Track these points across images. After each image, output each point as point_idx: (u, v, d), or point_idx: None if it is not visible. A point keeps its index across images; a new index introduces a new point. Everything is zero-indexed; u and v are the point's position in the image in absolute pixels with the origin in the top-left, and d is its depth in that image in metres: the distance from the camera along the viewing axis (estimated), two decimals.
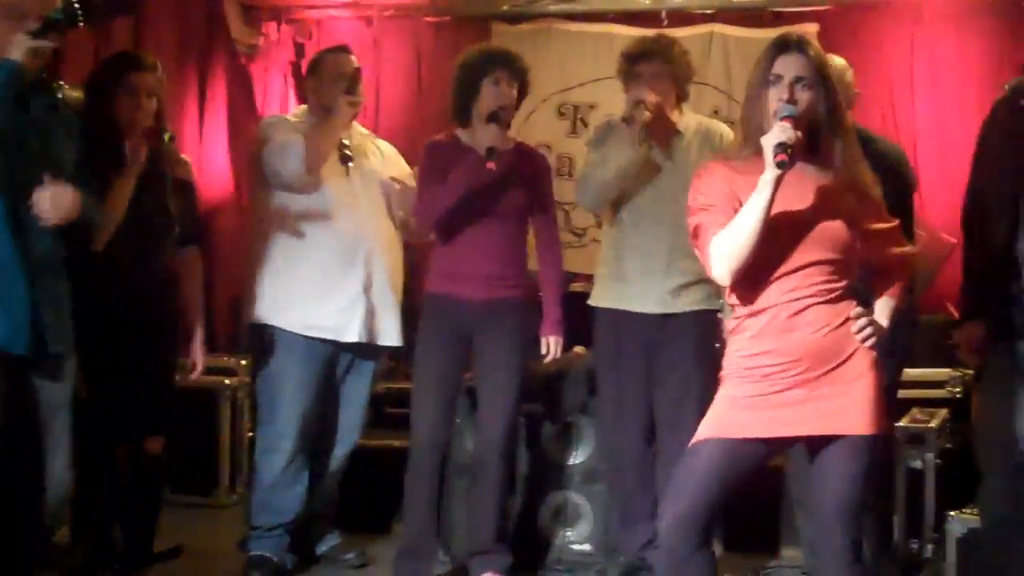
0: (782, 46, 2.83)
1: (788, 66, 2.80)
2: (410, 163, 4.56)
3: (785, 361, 2.77)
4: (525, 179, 4.20)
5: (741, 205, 2.77)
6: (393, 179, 4.45)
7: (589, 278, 4.41)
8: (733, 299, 2.86)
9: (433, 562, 4.28)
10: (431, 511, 4.22)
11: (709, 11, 6.43)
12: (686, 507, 2.82)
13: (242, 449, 5.42)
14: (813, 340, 2.77)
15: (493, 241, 4.14)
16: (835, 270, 2.79)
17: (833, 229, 2.79)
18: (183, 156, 4.42)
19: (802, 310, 2.77)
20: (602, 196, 4.14)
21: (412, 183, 4.41)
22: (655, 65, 4.04)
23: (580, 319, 4.26)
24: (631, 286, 4.12)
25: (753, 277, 2.79)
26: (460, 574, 4.31)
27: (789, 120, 2.72)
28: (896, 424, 4.32)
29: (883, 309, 2.93)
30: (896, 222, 2.96)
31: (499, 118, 4.07)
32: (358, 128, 4.53)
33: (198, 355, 4.19)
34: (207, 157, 6.29)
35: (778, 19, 6.41)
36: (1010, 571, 3.48)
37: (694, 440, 2.86)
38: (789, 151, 2.67)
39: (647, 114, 3.95)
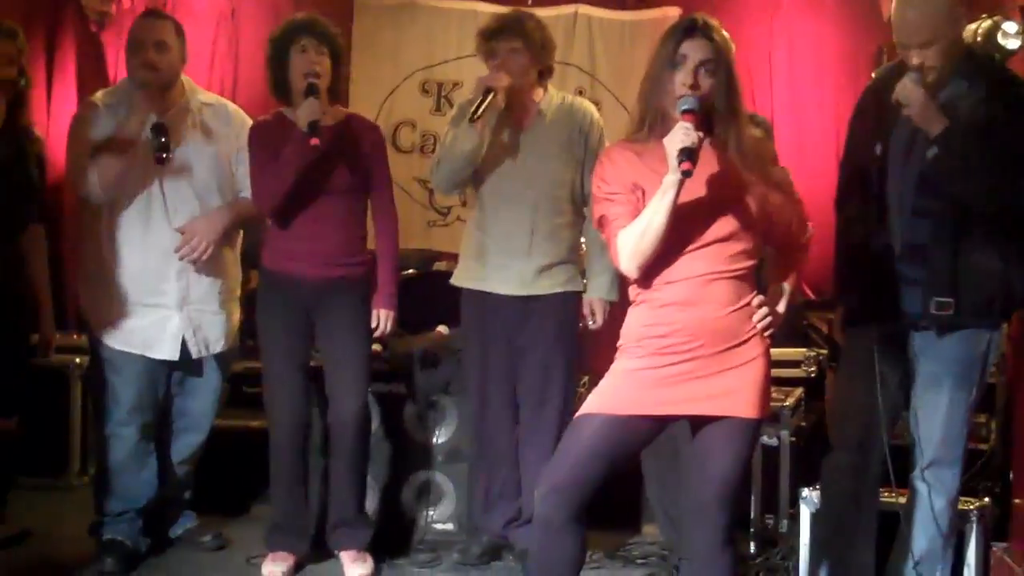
0: (689, 29, 2.82)
1: (694, 49, 2.80)
2: None
3: (684, 336, 2.79)
4: (358, 152, 4.10)
5: (644, 193, 2.77)
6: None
7: (453, 257, 4.39)
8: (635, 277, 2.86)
9: (306, 535, 4.22)
10: (299, 487, 4.18)
11: None
12: (565, 478, 2.82)
13: (94, 429, 5.23)
14: (715, 318, 2.80)
15: (328, 218, 4.04)
16: (738, 250, 2.82)
17: (734, 209, 2.81)
18: (36, 132, 4.25)
19: (707, 286, 2.79)
20: (452, 182, 4.13)
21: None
22: (510, 41, 4.01)
23: (443, 298, 4.23)
24: (492, 268, 4.11)
25: (659, 257, 2.79)
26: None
27: (690, 116, 2.72)
28: None
29: (779, 296, 2.96)
30: (799, 202, 2.99)
31: (316, 90, 3.95)
32: (201, 96, 4.30)
33: (49, 334, 4.04)
34: (55, 129, 6.03)
35: (641, 2, 6.48)
36: (849, 543, 3.57)
37: (580, 412, 2.86)
38: (693, 156, 2.68)
39: (499, 99, 3.92)
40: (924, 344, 3.42)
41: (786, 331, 4.62)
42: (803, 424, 4.56)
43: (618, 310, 3.88)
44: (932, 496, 3.44)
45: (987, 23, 4.59)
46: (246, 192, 4.20)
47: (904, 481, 3.54)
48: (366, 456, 4.23)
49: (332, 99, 4.10)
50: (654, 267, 2.82)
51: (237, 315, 4.36)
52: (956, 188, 3.27)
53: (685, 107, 2.74)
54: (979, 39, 4.62)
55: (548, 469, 2.90)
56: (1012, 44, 4.57)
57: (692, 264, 2.81)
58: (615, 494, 4.30)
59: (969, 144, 3.23)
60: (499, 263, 4.10)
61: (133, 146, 4.00)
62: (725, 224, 2.81)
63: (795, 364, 4.94)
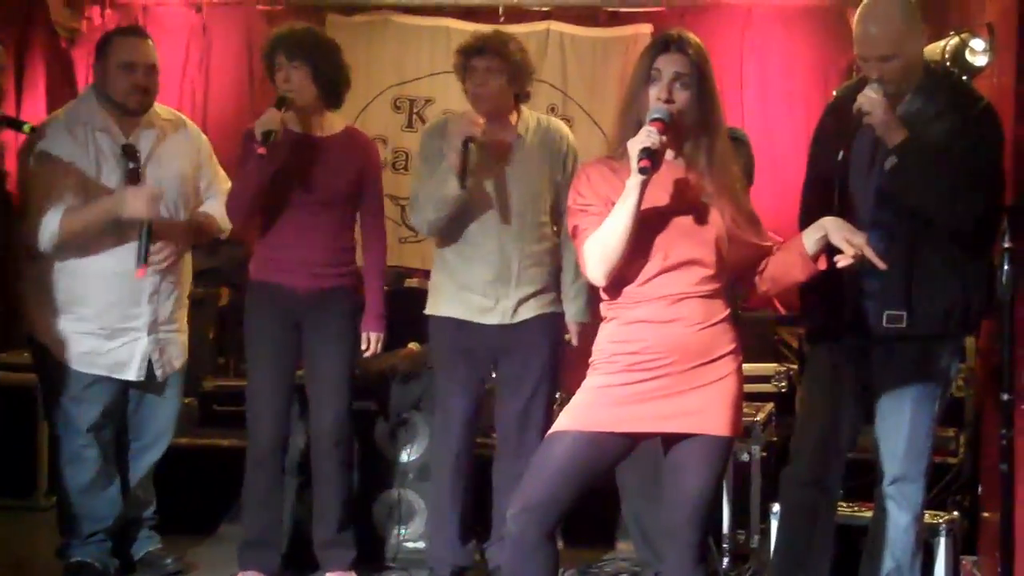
0: (663, 45, 2.86)
1: (668, 64, 2.83)
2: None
3: (655, 353, 2.79)
4: (351, 165, 4.10)
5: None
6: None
7: (425, 274, 4.36)
8: (606, 294, 2.88)
9: (279, 551, 4.20)
10: (273, 502, 4.16)
11: (545, 8, 6.47)
12: (537, 497, 2.81)
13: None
14: (686, 334, 2.80)
15: (315, 228, 4.04)
16: (709, 269, 2.83)
17: (706, 228, 2.83)
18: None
19: (677, 303, 2.80)
20: (437, 227, 3.99)
21: (210, 172, 4.30)
22: (489, 60, 3.96)
23: (414, 315, 4.21)
24: (477, 296, 4.01)
25: (629, 275, 2.81)
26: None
27: (658, 123, 2.74)
28: None
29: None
30: (766, 236, 3.00)
31: (284, 102, 3.95)
32: (161, 113, 4.22)
33: None
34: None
35: (613, 19, 6.50)
36: (805, 555, 3.58)
37: (552, 430, 2.86)
38: (654, 157, 2.70)
39: (478, 143, 3.84)
40: (885, 359, 3.43)
41: (757, 346, 4.67)
42: (774, 439, 4.56)
43: (591, 329, 3.85)
44: (898, 512, 3.44)
45: (955, 40, 4.62)
46: (208, 205, 4.24)
47: (864, 495, 3.55)
48: (348, 474, 4.21)
49: (330, 106, 4.12)
50: (623, 285, 2.83)
51: (186, 331, 4.32)
52: (914, 199, 3.30)
53: (654, 116, 2.77)
54: (947, 56, 4.66)
55: (520, 488, 2.88)
56: (980, 61, 4.60)
57: (661, 284, 2.81)
58: (588, 510, 4.31)
59: (928, 156, 3.26)
60: (483, 292, 4.01)
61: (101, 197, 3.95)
62: (692, 245, 2.82)
63: (766, 379, 4.95)
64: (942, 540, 3.75)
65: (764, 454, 4.40)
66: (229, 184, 4.25)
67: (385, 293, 4.25)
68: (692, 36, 2.89)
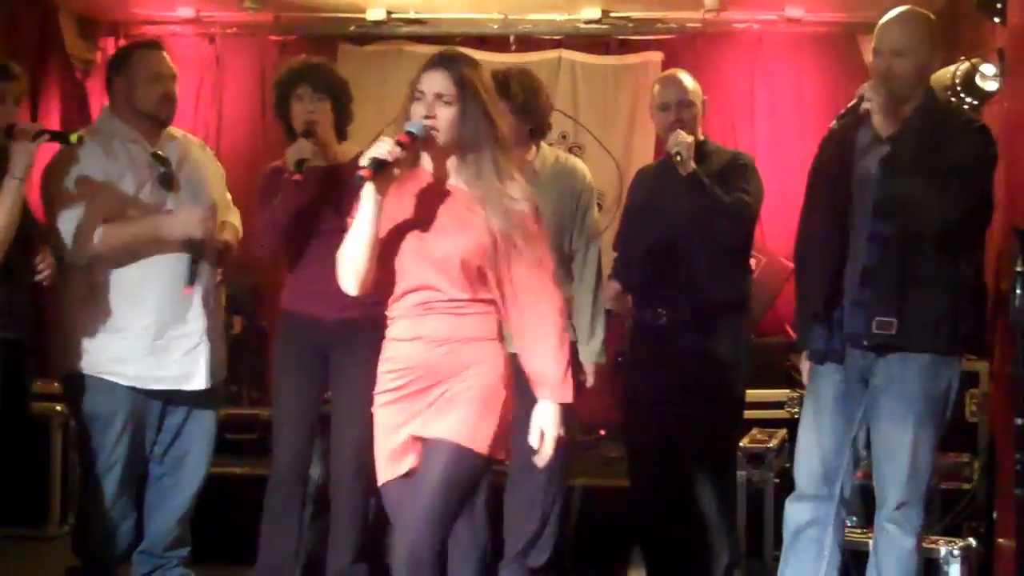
0: (429, 64, 2.92)
1: (431, 83, 2.88)
2: (253, 184, 4.43)
3: (402, 371, 2.87)
4: None
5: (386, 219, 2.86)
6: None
7: None
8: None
9: None
10: (292, 535, 4.14)
11: (557, 37, 6.50)
12: (407, 544, 2.86)
13: (75, 478, 5.17)
14: (426, 352, 2.86)
15: None
16: (458, 285, 2.86)
17: (463, 244, 2.85)
18: None
19: (422, 318, 2.86)
20: None
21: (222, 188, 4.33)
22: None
23: None
24: None
25: (389, 288, 2.90)
26: None
27: (405, 136, 2.80)
28: (738, 444, 4.41)
29: (543, 414, 2.94)
30: (539, 249, 2.95)
31: (310, 133, 3.99)
32: (171, 130, 4.20)
33: None
34: (38, 175, 6.03)
35: (624, 47, 6.53)
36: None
37: (380, 482, 2.94)
38: (380, 167, 2.75)
39: None
40: (886, 382, 3.40)
41: (768, 372, 4.66)
42: (787, 465, 4.53)
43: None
44: (902, 536, 3.41)
45: (965, 65, 4.64)
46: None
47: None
48: (367, 504, 4.18)
49: (340, 138, 4.18)
50: (390, 298, 2.91)
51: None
52: (904, 187, 3.30)
53: (406, 128, 2.83)
54: (957, 80, 4.67)
55: (395, 543, 2.98)
56: (990, 86, 4.62)
57: (411, 299, 2.88)
58: (598, 542, 4.31)
59: (918, 149, 3.29)
60: None
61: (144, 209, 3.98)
62: (442, 261, 2.85)
63: (779, 405, 4.93)
64: (957, 567, 3.72)
65: (777, 480, 4.38)
66: (235, 209, 4.34)
67: None
68: (464, 54, 2.97)
